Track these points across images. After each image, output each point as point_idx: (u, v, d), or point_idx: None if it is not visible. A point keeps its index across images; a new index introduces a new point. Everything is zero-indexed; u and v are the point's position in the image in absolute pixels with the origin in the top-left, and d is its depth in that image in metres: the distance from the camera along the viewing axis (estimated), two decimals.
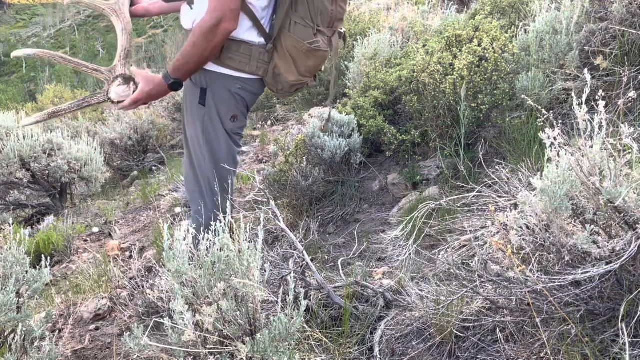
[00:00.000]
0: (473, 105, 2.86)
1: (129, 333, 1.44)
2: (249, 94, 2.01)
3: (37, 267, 1.77)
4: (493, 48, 2.88)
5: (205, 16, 1.77)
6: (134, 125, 7.20)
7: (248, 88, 1.99)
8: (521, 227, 1.43)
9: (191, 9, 1.93)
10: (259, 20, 1.90)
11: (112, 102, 1.92)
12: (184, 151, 2.16)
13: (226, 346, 1.38)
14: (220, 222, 1.42)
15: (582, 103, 1.33)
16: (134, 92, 1.88)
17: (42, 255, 1.82)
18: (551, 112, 1.80)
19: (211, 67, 1.94)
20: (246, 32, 1.90)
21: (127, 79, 1.89)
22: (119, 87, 1.89)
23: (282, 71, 1.94)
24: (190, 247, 1.45)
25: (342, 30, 2.07)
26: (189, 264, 1.41)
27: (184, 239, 1.42)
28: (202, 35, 1.78)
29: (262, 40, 1.93)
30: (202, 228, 1.78)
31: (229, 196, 2.05)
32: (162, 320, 1.44)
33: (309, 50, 1.91)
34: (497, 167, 2.21)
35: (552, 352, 1.40)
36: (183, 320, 1.32)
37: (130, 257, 3.36)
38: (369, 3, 7.69)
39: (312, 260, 2.47)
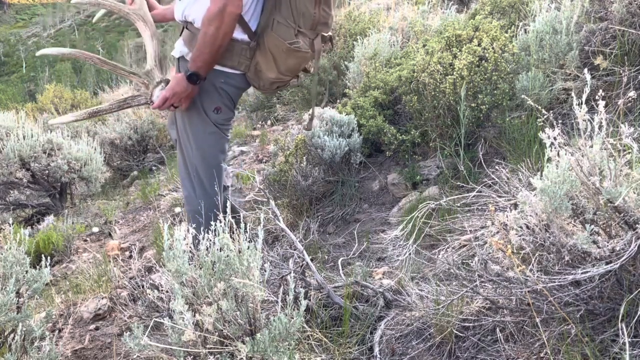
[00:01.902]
0: (473, 105, 2.86)
1: (128, 333, 1.44)
2: (232, 87, 2.09)
3: (37, 267, 1.77)
4: (493, 48, 2.88)
5: (210, 5, 1.85)
6: (134, 125, 7.20)
7: (231, 82, 2.07)
8: (521, 227, 1.43)
9: (180, 0, 2.04)
10: (242, 17, 1.96)
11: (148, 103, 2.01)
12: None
13: (226, 346, 1.38)
14: (217, 216, 1.43)
15: (582, 103, 1.33)
16: None
17: (42, 255, 1.82)
18: (551, 112, 1.80)
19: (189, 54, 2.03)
20: None
21: (168, 82, 1.99)
22: (161, 90, 1.98)
23: (263, 68, 2.02)
24: (190, 247, 1.45)
25: (326, 34, 2.11)
26: (189, 264, 1.41)
27: (184, 239, 1.42)
28: (210, 22, 1.84)
29: (245, 37, 2.01)
30: (198, 217, 1.97)
31: (222, 184, 2.15)
32: (162, 320, 1.44)
33: (289, 49, 1.97)
34: (497, 167, 2.21)
35: (552, 352, 1.40)
36: (183, 320, 1.32)
37: (130, 256, 3.36)
38: (369, 3, 7.69)
39: (312, 260, 2.47)
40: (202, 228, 1.64)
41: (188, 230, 1.47)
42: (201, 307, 1.38)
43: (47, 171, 4.83)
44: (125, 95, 2.05)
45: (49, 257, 1.86)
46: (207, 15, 1.85)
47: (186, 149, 2.13)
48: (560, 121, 2.51)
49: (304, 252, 2.05)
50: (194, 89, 1.96)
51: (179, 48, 2.11)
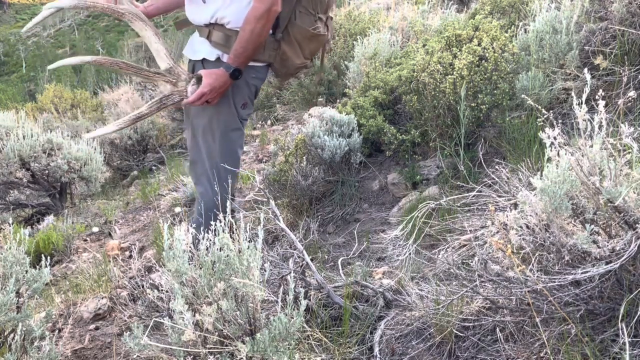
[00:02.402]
0: (473, 104, 2.86)
1: (128, 333, 1.44)
2: (260, 80, 2.19)
3: (37, 266, 1.77)
4: (493, 48, 2.88)
5: (257, 4, 1.92)
6: (134, 125, 7.19)
7: (260, 75, 2.17)
8: (521, 227, 1.43)
9: (204, 2, 2.05)
10: None
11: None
12: (189, 139, 2.25)
13: (226, 346, 1.38)
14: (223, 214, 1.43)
15: (582, 103, 1.33)
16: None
17: (42, 255, 1.82)
18: (551, 111, 1.80)
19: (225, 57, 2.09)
20: None
21: (200, 78, 1.99)
22: (193, 86, 1.99)
23: (290, 56, 2.14)
24: (190, 247, 1.45)
25: (332, 15, 2.29)
26: (189, 264, 1.41)
27: (185, 239, 1.42)
28: (258, 20, 1.93)
29: (270, 31, 2.10)
30: (208, 213, 2.05)
31: (236, 180, 2.26)
32: (162, 320, 1.44)
33: (312, 35, 2.13)
34: (497, 167, 2.21)
35: (552, 352, 1.40)
36: (183, 320, 1.32)
37: (130, 256, 3.36)
38: (369, 2, 7.68)
39: (312, 259, 2.46)
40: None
41: (199, 227, 1.47)
42: (201, 307, 1.38)
43: (47, 171, 4.82)
44: (159, 96, 2.04)
45: (48, 257, 1.86)
46: (254, 13, 1.93)
47: (207, 145, 2.16)
48: (560, 121, 2.51)
49: (304, 252, 2.05)
50: (231, 84, 2.04)
51: (207, 49, 2.09)
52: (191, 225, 1.60)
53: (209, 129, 2.14)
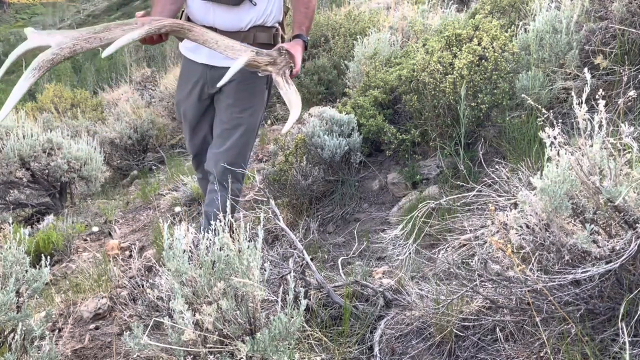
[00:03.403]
0: (473, 104, 2.86)
1: (128, 332, 1.44)
2: None
3: (37, 266, 1.77)
4: (493, 47, 2.88)
5: None
6: (134, 125, 7.19)
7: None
8: (521, 227, 1.43)
9: (254, 4, 2.12)
10: None
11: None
12: (223, 137, 2.34)
13: (226, 345, 1.38)
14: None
15: (582, 102, 1.33)
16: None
17: (42, 255, 1.82)
18: (551, 111, 1.80)
19: None
20: None
21: (279, 49, 2.09)
22: (284, 57, 2.08)
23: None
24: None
25: None
26: (189, 263, 1.41)
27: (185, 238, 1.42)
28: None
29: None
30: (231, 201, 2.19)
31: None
32: (162, 320, 1.44)
33: None
34: (497, 167, 2.21)
35: (552, 351, 1.40)
36: (183, 320, 1.32)
37: (130, 256, 3.36)
38: (369, 2, 7.68)
39: (311, 259, 2.46)
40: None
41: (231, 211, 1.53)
42: (201, 306, 1.38)
43: (47, 171, 4.82)
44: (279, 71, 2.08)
45: (48, 257, 1.86)
46: None
47: (250, 145, 2.39)
48: (560, 120, 2.50)
49: (304, 251, 2.05)
50: None
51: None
52: (211, 220, 1.65)
53: (254, 129, 2.35)
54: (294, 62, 2.08)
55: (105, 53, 1.70)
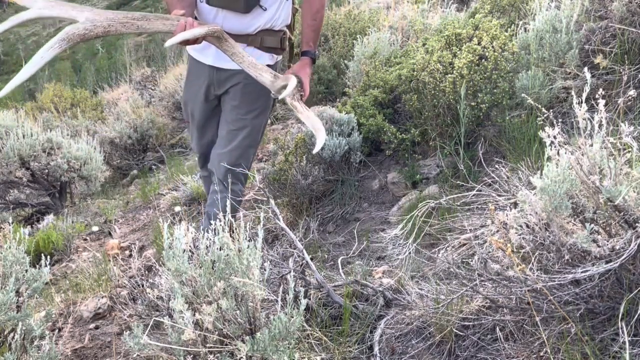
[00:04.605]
0: (473, 104, 2.86)
1: (128, 332, 1.44)
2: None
3: (37, 266, 1.77)
4: (493, 47, 2.88)
5: None
6: (134, 124, 7.18)
7: None
8: (521, 226, 1.43)
9: (264, 10, 2.11)
10: None
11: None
12: (227, 139, 2.36)
13: (226, 345, 1.38)
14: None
15: (582, 102, 1.33)
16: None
17: (42, 254, 1.82)
18: (551, 110, 1.80)
19: (278, 58, 2.30)
20: None
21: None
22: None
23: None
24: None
25: None
26: (189, 263, 1.41)
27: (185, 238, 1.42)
28: (324, 8, 2.24)
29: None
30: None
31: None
32: (162, 319, 1.44)
33: None
34: (496, 166, 2.21)
35: (551, 351, 1.40)
36: (183, 319, 1.32)
37: (130, 256, 3.36)
38: (369, 1, 7.67)
39: (311, 259, 2.46)
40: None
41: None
42: (201, 306, 1.38)
43: (46, 170, 4.82)
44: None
45: (48, 256, 1.86)
46: (322, 3, 2.20)
47: (255, 147, 2.40)
48: (560, 120, 2.50)
49: (304, 251, 2.05)
50: None
51: (264, 55, 2.21)
52: (212, 220, 1.66)
53: (259, 131, 2.37)
54: (303, 88, 2.08)
55: (167, 43, 1.83)
